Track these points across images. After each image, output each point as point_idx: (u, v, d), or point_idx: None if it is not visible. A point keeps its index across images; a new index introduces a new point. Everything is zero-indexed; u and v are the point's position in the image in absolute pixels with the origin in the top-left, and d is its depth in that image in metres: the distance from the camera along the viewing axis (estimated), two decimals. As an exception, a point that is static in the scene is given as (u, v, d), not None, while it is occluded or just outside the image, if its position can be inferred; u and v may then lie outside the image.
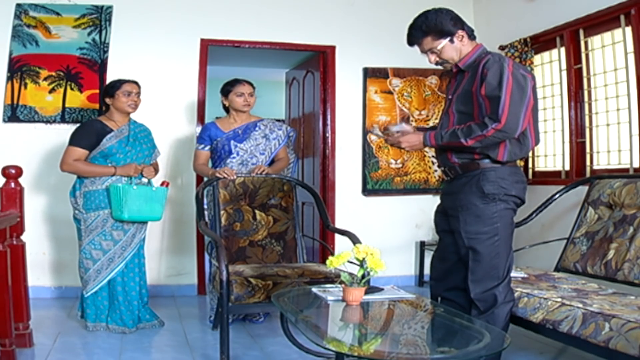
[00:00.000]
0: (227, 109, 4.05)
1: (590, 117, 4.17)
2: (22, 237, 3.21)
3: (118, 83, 3.70)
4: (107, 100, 3.71)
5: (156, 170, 3.83)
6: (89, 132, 3.64)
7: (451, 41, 2.63)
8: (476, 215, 2.61)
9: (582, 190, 3.71)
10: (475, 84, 2.58)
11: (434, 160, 5.16)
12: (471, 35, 2.69)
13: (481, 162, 2.62)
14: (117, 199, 3.51)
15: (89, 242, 3.58)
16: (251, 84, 3.99)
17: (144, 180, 3.69)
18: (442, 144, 2.65)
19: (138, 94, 3.73)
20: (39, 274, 4.43)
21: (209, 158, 4.08)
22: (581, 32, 4.19)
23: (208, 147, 4.00)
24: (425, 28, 2.63)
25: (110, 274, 3.58)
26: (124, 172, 3.60)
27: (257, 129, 4.00)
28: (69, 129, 4.51)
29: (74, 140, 3.63)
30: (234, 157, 3.94)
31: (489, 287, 2.61)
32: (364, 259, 2.38)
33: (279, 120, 4.35)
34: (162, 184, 3.74)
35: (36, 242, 4.35)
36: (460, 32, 2.63)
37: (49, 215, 4.51)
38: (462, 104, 2.66)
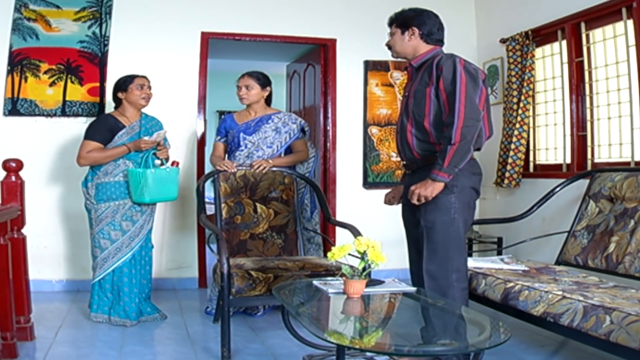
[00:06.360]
0: None
1: (591, 110, 4.17)
2: (23, 231, 3.21)
3: (129, 78, 3.76)
4: (120, 95, 3.77)
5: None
6: (103, 127, 3.70)
7: (402, 33, 2.85)
8: (435, 204, 2.72)
9: (583, 183, 3.70)
10: (431, 83, 2.72)
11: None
12: (431, 40, 2.82)
13: None
14: (136, 183, 3.57)
15: (98, 231, 3.65)
16: (255, 77, 3.96)
17: (157, 162, 3.74)
18: (453, 170, 2.64)
19: (149, 87, 3.80)
20: (40, 268, 4.43)
21: (224, 150, 4.08)
22: (583, 25, 4.17)
23: (224, 139, 4.04)
24: (396, 15, 2.89)
25: (116, 262, 3.62)
26: (135, 146, 3.63)
27: (269, 121, 3.98)
28: (69, 123, 4.55)
29: (89, 134, 3.69)
30: (241, 150, 3.95)
31: (442, 276, 2.72)
32: (365, 251, 2.38)
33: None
34: (172, 164, 3.79)
35: (37, 235, 4.34)
36: (414, 29, 2.81)
37: (50, 208, 4.51)
38: (415, 103, 2.79)
